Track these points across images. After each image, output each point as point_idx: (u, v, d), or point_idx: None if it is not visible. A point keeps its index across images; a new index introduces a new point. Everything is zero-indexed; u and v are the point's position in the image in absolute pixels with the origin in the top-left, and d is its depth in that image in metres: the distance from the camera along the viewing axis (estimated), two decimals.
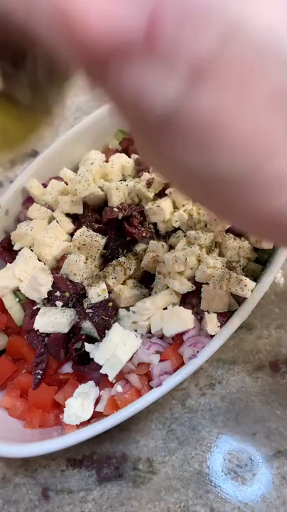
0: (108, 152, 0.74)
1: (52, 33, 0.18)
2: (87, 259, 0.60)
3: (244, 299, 0.55)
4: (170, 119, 0.19)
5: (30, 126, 0.28)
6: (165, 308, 0.56)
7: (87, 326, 0.57)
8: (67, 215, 0.65)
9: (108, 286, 0.58)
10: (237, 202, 0.23)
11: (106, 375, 0.54)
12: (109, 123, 0.75)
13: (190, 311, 0.55)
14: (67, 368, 0.58)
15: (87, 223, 0.63)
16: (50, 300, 0.59)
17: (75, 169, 0.71)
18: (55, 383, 0.58)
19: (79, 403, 0.54)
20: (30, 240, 0.63)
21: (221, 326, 0.54)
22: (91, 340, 0.58)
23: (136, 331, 0.57)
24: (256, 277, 0.57)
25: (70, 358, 0.57)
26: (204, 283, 0.56)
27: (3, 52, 0.23)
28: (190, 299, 0.58)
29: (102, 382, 0.56)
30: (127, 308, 0.58)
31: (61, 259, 0.62)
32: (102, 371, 0.53)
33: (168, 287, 0.57)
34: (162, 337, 0.56)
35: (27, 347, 0.59)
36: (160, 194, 0.65)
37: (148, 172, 0.66)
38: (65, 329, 0.56)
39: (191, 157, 0.21)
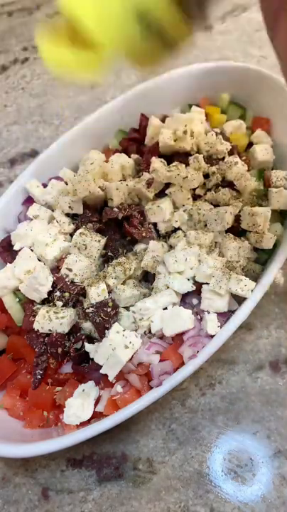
0: (108, 152, 0.74)
1: None
2: (87, 259, 0.60)
3: (244, 299, 0.55)
4: None
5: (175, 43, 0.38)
6: (165, 308, 0.56)
7: (87, 326, 0.57)
8: (67, 215, 0.65)
9: (108, 286, 0.58)
10: None
11: (106, 375, 0.54)
12: (109, 123, 0.75)
13: (190, 311, 0.55)
14: (67, 368, 0.58)
15: (86, 223, 0.63)
16: (50, 300, 0.60)
17: (75, 169, 0.71)
18: (55, 383, 0.58)
19: (79, 403, 0.54)
20: (30, 240, 0.63)
21: (221, 326, 0.54)
22: (91, 340, 0.58)
23: (136, 331, 0.57)
24: (256, 277, 0.57)
25: (70, 358, 0.57)
26: (204, 283, 0.56)
27: None
28: (190, 299, 0.58)
29: (102, 382, 0.56)
30: (127, 308, 0.58)
31: (61, 259, 0.62)
32: (102, 371, 0.53)
33: (168, 287, 0.57)
34: (162, 337, 0.56)
35: (27, 347, 0.59)
36: (160, 194, 0.65)
37: (148, 172, 0.66)
38: (65, 329, 0.56)
39: None
